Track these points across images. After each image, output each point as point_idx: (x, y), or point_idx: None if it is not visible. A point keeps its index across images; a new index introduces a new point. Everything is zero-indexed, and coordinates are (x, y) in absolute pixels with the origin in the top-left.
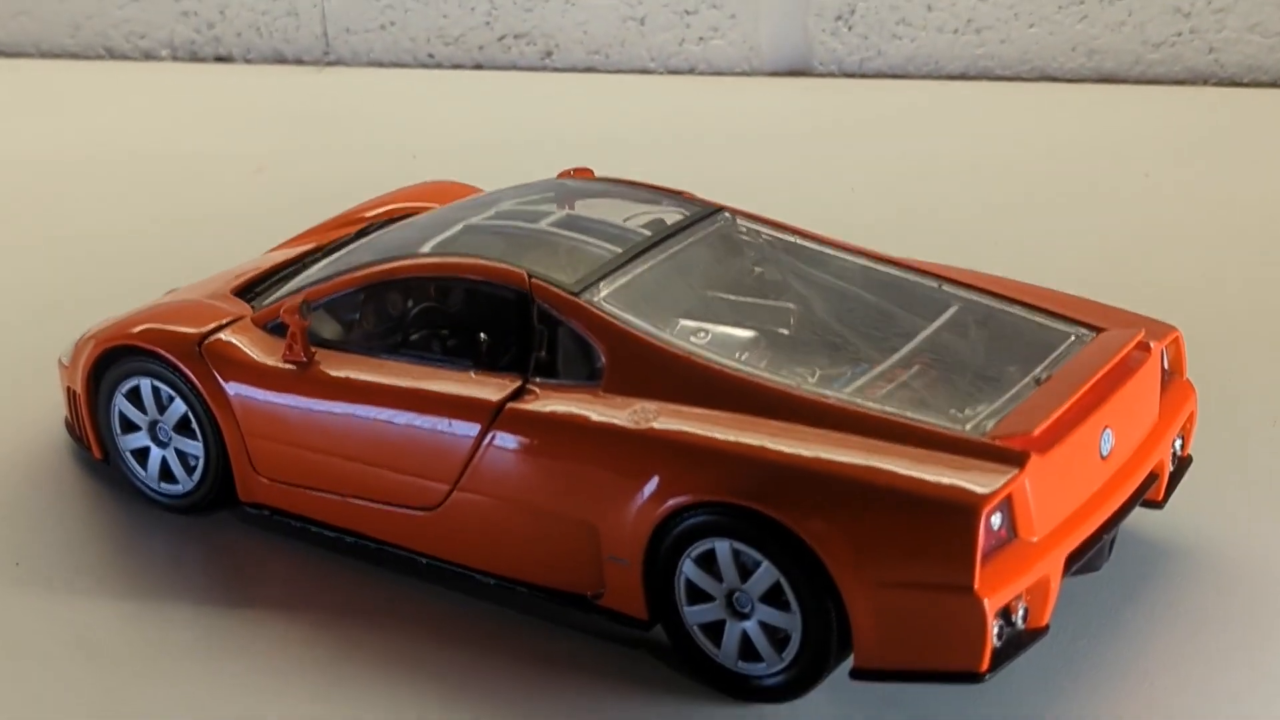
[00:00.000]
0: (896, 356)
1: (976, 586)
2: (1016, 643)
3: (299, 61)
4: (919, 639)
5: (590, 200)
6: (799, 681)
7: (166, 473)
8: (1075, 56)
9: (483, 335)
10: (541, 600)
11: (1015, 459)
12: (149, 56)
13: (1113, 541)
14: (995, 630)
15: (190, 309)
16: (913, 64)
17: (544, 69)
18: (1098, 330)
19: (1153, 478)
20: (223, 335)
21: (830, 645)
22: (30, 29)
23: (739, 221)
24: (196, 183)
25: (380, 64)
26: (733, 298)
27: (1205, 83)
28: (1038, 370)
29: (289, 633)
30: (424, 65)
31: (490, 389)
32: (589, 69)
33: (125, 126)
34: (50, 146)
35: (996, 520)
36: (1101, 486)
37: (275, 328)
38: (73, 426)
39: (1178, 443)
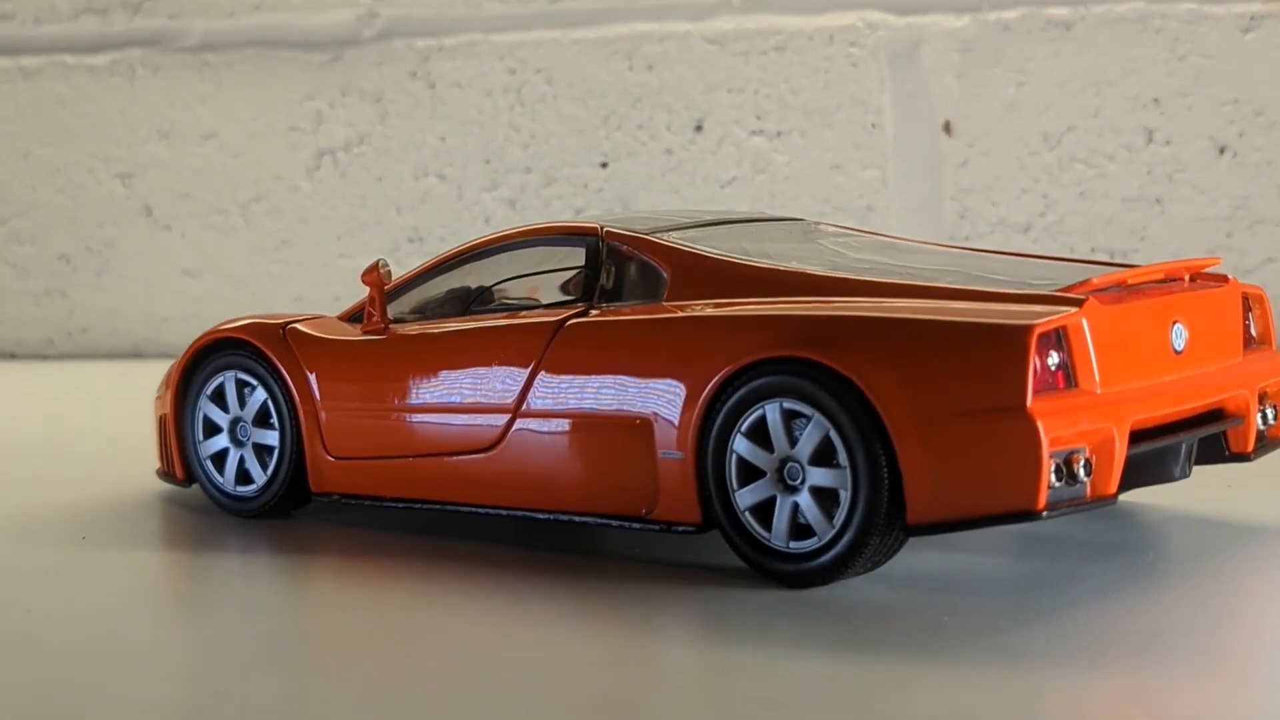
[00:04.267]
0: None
1: (1030, 406)
2: (1079, 500)
3: None
4: (973, 477)
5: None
6: (847, 555)
7: (243, 477)
8: None
9: (554, 281)
10: (596, 528)
11: (1073, 302)
12: None
13: (1191, 452)
14: (1052, 469)
15: (276, 315)
16: None
17: None
18: None
19: (1238, 419)
20: (303, 324)
21: (879, 502)
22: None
23: (821, 225)
24: None
25: None
26: (807, 266)
27: None
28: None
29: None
30: None
31: (554, 315)
32: None
33: None
34: None
35: (1054, 358)
36: (1175, 381)
37: (355, 319)
38: (162, 469)
39: (1271, 411)
